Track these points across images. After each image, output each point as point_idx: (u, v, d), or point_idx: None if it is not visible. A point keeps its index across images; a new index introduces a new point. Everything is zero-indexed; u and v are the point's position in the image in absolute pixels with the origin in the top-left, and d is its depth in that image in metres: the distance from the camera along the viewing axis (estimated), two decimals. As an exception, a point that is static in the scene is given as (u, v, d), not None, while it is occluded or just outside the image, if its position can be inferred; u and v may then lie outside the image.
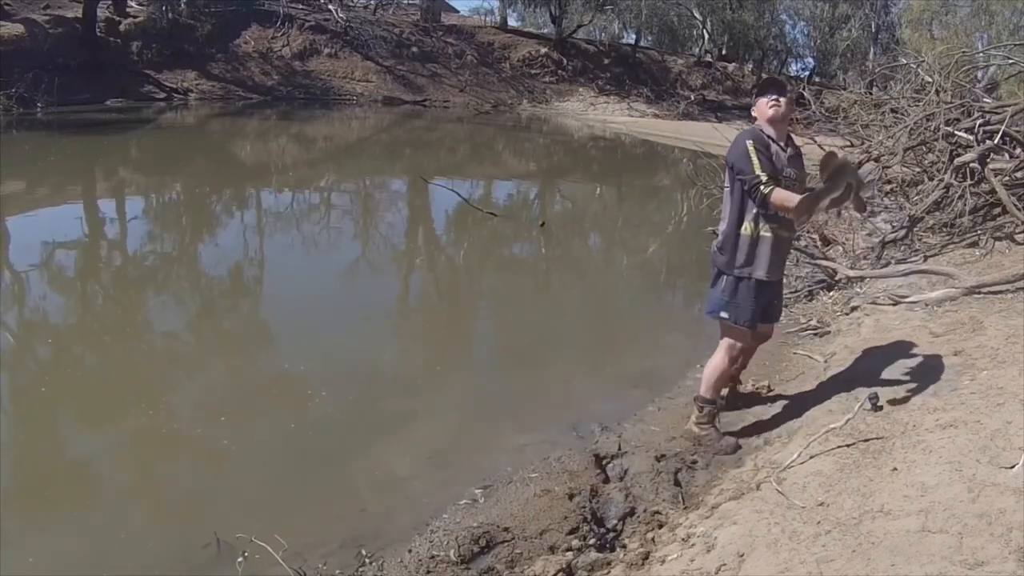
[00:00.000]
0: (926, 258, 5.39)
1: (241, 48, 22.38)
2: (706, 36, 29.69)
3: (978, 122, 6.01)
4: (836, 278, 5.45)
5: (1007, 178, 5.71)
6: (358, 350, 4.82)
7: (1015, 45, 11.64)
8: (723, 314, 3.27)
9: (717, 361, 3.39)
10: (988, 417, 2.73)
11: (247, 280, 6.52)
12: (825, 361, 4.03)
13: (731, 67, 29.37)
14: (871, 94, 9.97)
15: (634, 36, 29.06)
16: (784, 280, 3.62)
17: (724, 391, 3.69)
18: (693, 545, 2.55)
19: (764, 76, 28.33)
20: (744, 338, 3.34)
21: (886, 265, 5.40)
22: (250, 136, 16.21)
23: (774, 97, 3.20)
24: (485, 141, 18.41)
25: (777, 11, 29.51)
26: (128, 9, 21.01)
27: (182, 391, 4.17)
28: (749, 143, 3.08)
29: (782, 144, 3.21)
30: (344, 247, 7.85)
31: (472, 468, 3.37)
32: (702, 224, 7.42)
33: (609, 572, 2.59)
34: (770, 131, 3.21)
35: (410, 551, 2.74)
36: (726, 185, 3.31)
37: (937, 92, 6.84)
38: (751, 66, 29.64)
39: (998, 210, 5.63)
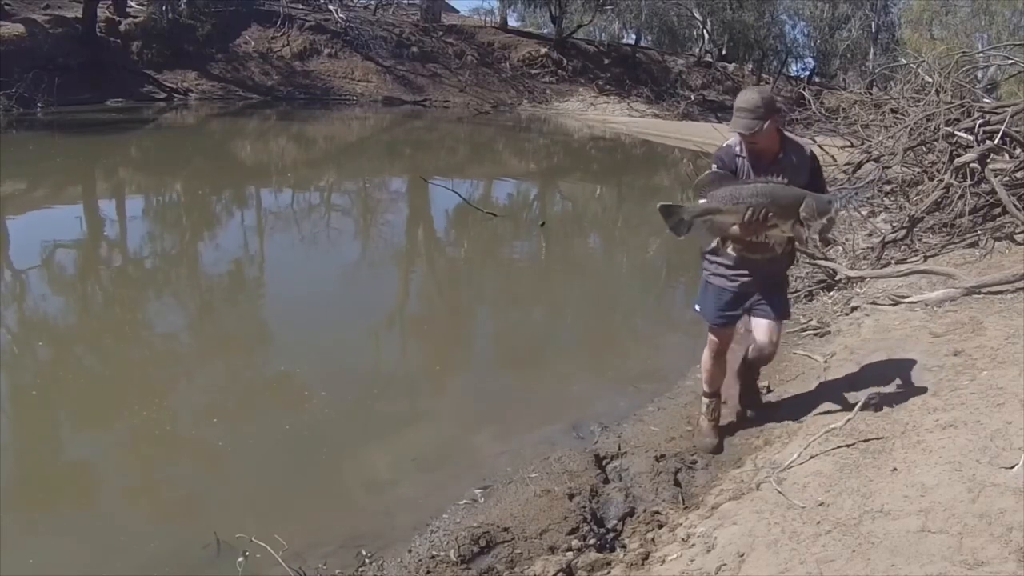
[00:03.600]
0: (926, 258, 5.38)
1: (241, 48, 22.37)
2: (706, 36, 29.68)
3: (978, 122, 6.01)
4: (836, 278, 5.45)
5: (1007, 178, 5.71)
6: (357, 350, 4.83)
7: (1015, 45, 11.65)
8: (695, 306, 3.40)
9: (703, 353, 3.50)
10: (988, 417, 2.73)
11: (247, 281, 6.52)
12: (825, 361, 4.03)
13: (731, 67, 29.37)
14: (871, 94, 9.98)
15: (634, 36, 29.05)
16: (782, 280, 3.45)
17: (729, 389, 3.63)
18: (693, 545, 2.55)
19: (762, 78, 28.39)
20: (715, 334, 3.39)
21: (886, 265, 5.40)
22: (250, 136, 16.21)
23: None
24: (485, 141, 18.41)
25: (777, 11, 29.46)
26: (128, 9, 21.00)
27: (182, 392, 4.18)
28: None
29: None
30: (344, 247, 7.86)
31: (472, 468, 3.37)
32: (702, 224, 7.40)
33: (609, 572, 2.59)
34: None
35: (410, 551, 2.74)
36: None
37: (937, 92, 6.85)
38: (751, 66, 29.63)
39: (998, 210, 5.63)
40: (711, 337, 3.40)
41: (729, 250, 3.16)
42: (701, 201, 2.94)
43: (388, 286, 6.61)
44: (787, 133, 3.19)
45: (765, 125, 2.89)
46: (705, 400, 3.52)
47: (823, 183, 3.21)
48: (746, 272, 3.20)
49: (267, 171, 12.64)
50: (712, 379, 3.50)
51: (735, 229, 2.95)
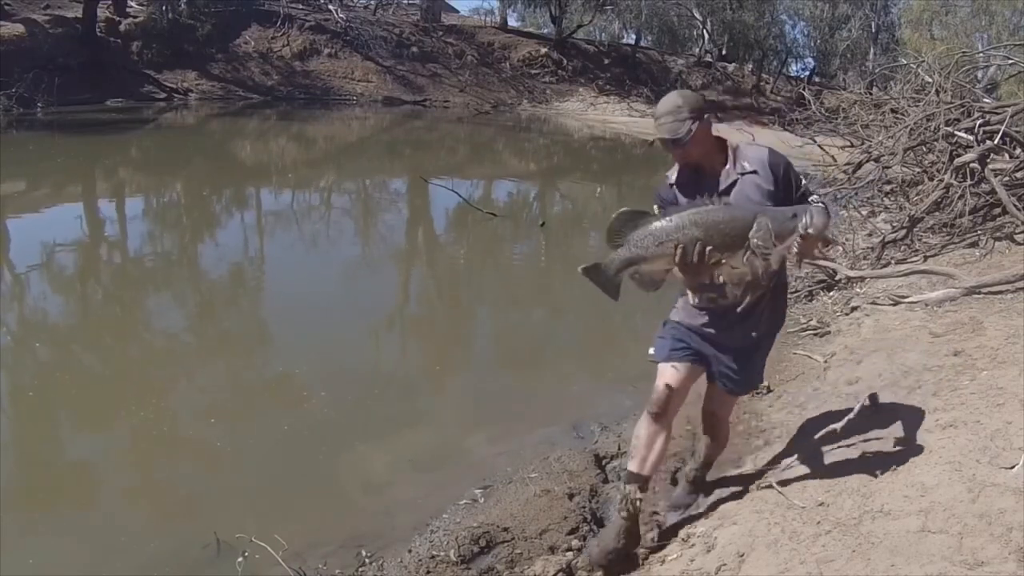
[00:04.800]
0: (926, 258, 5.38)
1: (241, 48, 22.35)
2: (706, 36, 29.66)
3: (978, 122, 6.01)
4: (836, 278, 5.45)
5: (1007, 178, 5.71)
6: (357, 351, 4.83)
7: (1015, 45, 11.65)
8: (650, 350, 2.68)
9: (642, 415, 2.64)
10: (988, 417, 2.73)
11: (247, 281, 6.52)
12: (825, 361, 4.03)
13: (731, 67, 29.34)
14: (871, 94, 9.97)
15: (634, 36, 29.04)
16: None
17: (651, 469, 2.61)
18: (693, 545, 2.55)
19: (760, 77, 28.35)
20: (662, 381, 2.58)
21: (886, 265, 5.40)
22: (250, 136, 16.21)
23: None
24: (485, 141, 18.40)
25: (777, 11, 29.44)
26: (128, 9, 20.98)
27: (182, 392, 4.18)
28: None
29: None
30: (344, 247, 7.85)
31: (472, 468, 3.38)
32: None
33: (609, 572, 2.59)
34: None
35: (410, 551, 2.74)
36: None
37: (937, 92, 6.84)
38: (751, 66, 29.61)
39: (998, 210, 5.62)
40: (656, 384, 2.60)
41: (692, 300, 2.56)
42: (620, 251, 2.32)
43: (388, 286, 6.61)
44: (741, 143, 2.54)
45: (694, 126, 2.32)
46: (627, 485, 2.60)
47: (800, 194, 2.42)
48: (719, 325, 2.54)
49: (267, 171, 12.64)
50: (642, 451, 2.57)
51: (677, 275, 2.28)
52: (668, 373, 2.60)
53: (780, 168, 2.44)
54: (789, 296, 4.66)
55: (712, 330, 2.57)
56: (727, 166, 2.43)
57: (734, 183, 2.40)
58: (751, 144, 2.59)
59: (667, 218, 2.24)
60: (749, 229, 2.16)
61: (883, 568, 2.03)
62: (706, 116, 2.39)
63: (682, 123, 2.34)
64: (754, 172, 2.41)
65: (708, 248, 2.17)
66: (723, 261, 2.21)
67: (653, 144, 2.69)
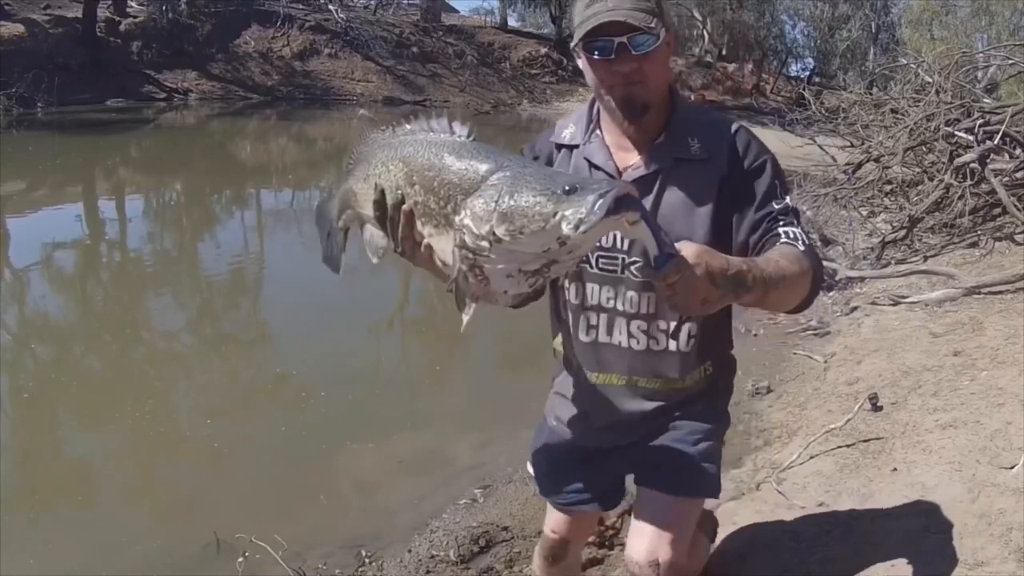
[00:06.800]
0: (926, 258, 5.39)
1: (241, 48, 22.36)
2: (706, 36, 29.68)
3: (978, 122, 6.01)
4: (836, 278, 5.45)
5: (1007, 178, 5.71)
6: (357, 351, 4.83)
7: (1015, 45, 11.64)
8: (528, 465, 1.76)
9: (534, 556, 1.91)
10: (988, 417, 2.73)
11: (246, 281, 6.52)
12: (825, 361, 4.03)
13: (731, 67, 29.35)
14: (871, 94, 9.96)
15: (634, 36, 29.06)
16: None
17: None
18: (693, 545, 2.55)
19: (767, 76, 28.37)
20: (548, 521, 1.81)
21: (886, 265, 5.40)
22: (250, 136, 16.21)
23: None
24: (485, 141, 18.34)
25: (777, 11, 29.45)
26: (128, 9, 21.00)
27: (182, 392, 4.18)
28: None
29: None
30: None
31: (472, 468, 3.38)
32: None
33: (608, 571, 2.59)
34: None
35: (410, 551, 2.74)
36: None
37: (937, 92, 6.85)
38: (751, 66, 29.61)
39: (998, 210, 5.63)
40: (544, 524, 1.85)
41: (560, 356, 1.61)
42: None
43: (388, 286, 6.60)
44: (687, 102, 1.44)
45: (663, 33, 1.27)
46: None
47: (764, 216, 1.33)
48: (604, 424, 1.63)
49: (267, 171, 12.65)
50: None
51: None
52: (554, 515, 1.76)
53: (750, 159, 1.33)
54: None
55: (607, 431, 1.62)
56: (659, 137, 1.36)
57: (660, 173, 1.33)
58: (704, 108, 1.50)
59: (392, 140, 1.30)
60: (471, 192, 1.09)
61: (883, 568, 2.03)
62: (675, 36, 1.38)
63: (648, 14, 1.24)
64: (703, 160, 1.34)
65: (405, 204, 1.18)
66: (429, 241, 1.19)
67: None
